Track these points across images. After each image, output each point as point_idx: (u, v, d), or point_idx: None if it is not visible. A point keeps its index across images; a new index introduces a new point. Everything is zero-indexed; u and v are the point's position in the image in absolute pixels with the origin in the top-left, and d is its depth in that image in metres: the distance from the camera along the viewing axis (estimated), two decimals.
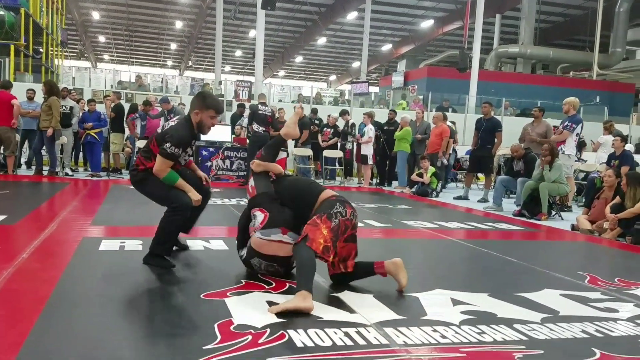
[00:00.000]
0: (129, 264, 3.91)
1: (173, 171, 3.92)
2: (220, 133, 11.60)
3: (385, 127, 12.28)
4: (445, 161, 11.56)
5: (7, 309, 2.91)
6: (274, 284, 3.47)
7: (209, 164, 11.24)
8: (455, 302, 3.35)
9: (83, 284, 3.44)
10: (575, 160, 10.19)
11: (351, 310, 3.08)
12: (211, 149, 11.32)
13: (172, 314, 2.97)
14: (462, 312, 3.15)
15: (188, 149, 4.04)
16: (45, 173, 10.41)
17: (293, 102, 18.92)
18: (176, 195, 3.91)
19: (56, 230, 5.16)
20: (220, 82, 22.99)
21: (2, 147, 9.97)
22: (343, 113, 13.04)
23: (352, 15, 29.78)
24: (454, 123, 13.71)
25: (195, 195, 3.93)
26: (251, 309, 3.01)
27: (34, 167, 10.91)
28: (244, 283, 3.51)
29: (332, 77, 50.27)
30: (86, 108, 11.67)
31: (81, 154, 12.24)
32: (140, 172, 4.01)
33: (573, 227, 7.07)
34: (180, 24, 34.98)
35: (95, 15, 34.43)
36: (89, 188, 9.09)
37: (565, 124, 8.94)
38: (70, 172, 10.98)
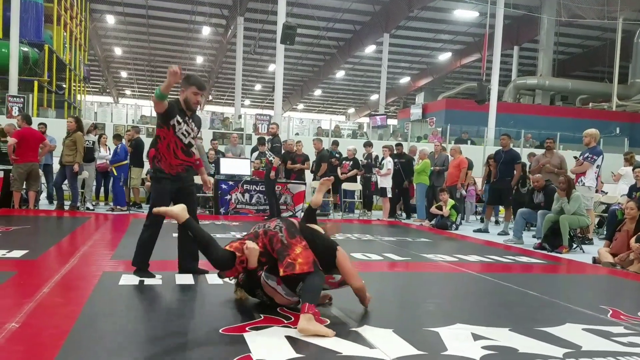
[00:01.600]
0: (148, 298, 3.94)
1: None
2: (239, 167, 11.71)
3: (395, 160, 12.23)
4: (464, 192, 11.52)
5: (27, 344, 2.94)
6: (293, 319, 3.45)
7: (228, 197, 11.30)
8: (476, 337, 3.32)
9: (103, 319, 3.46)
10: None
11: (370, 346, 3.06)
12: (230, 183, 11.36)
13: (191, 350, 2.99)
14: (483, 347, 3.12)
15: (183, 126, 4.66)
16: (66, 207, 10.50)
17: (313, 135, 19.08)
18: (152, 205, 4.45)
19: (77, 265, 5.20)
20: (240, 116, 23.28)
21: (28, 183, 10.03)
22: (367, 145, 13.10)
23: (370, 48, 30.16)
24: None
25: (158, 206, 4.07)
26: (270, 344, 2.99)
27: (55, 202, 11.03)
28: (262, 317, 3.49)
29: (351, 110, 50.64)
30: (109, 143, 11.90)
31: (102, 189, 12.34)
32: (154, 167, 4.75)
33: (594, 260, 6.98)
34: (201, 59, 35.65)
35: (118, 51, 35.24)
36: (109, 222, 9.15)
37: (586, 155, 8.90)
38: (91, 207, 11.12)
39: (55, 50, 20.25)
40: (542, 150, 10.78)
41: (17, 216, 9.17)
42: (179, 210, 3.58)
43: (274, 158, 9.97)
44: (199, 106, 4.95)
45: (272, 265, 3.49)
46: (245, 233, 3.69)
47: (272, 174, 9.93)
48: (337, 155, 13.16)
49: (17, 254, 5.52)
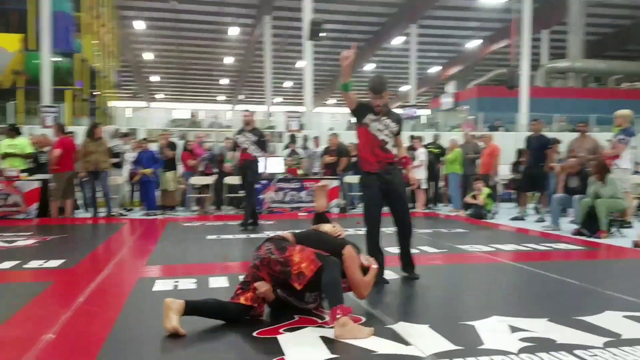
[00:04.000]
0: None
1: None
2: (272, 165, 11.67)
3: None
4: (498, 180, 11.35)
5: (65, 351, 3.00)
6: (327, 319, 3.37)
7: (261, 197, 11.31)
8: (514, 329, 3.28)
9: (138, 325, 3.49)
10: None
11: (406, 342, 3.04)
12: (263, 182, 11.28)
13: (225, 353, 3.00)
14: (521, 340, 3.08)
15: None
16: (101, 214, 10.50)
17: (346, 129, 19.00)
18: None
19: (112, 272, 5.27)
20: (270, 114, 23.39)
21: (66, 192, 10.08)
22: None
23: (399, 40, 29.95)
24: None
25: None
26: (304, 346, 2.98)
27: (90, 210, 11.01)
28: (297, 318, 3.46)
29: None
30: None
31: (136, 193, 12.29)
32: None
33: (635, 244, 6.79)
34: (231, 59, 35.88)
35: (148, 56, 35.70)
36: (144, 227, 9.20)
37: (619, 137, 8.67)
38: (125, 212, 11.15)
39: (87, 58, 20.58)
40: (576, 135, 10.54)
41: (55, 225, 9.28)
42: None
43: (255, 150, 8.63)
44: (383, 108, 4.78)
45: (284, 282, 3.41)
46: (243, 277, 3.59)
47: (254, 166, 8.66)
48: None
49: (54, 263, 5.60)
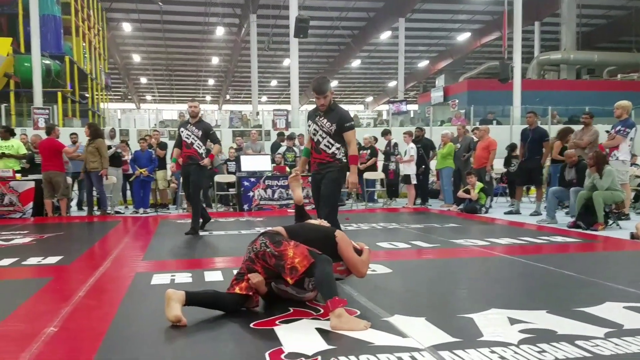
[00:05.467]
0: None
1: None
2: (260, 163, 11.68)
3: (418, 146, 11.95)
4: (493, 174, 11.28)
5: (65, 346, 3.00)
6: (322, 311, 3.41)
7: (250, 194, 11.29)
8: (513, 321, 3.20)
9: (138, 318, 3.53)
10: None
11: (403, 335, 2.98)
12: (252, 180, 11.34)
13: (224, 344, 2.99)
14: (520, 331, 3.01)
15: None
16: (96, 213, 10.63)
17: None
18: None
19: (110, 268, 5.28)
20: (257, 113, 23.30)
21: (54, 192, 10.20)
22: (385, 133, 12.94)
23: (386, 34, 29.86)
24: None
25: None
26: (301, 337, 2.97)
27: (85, 208, 11.16)
28: (292, 311, 3.47)
29: (369, 99, 50.33)
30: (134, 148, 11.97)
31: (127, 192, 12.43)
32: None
33: (632, 236, 6.74)
34: (217, 60, 35.79)
35: (136, 58, 35.62)
36: (138, 225, 9.23)
37: (618, 128, 8.62)
38: (120, 211, 11.18)
39: (76, 61, 20.57)
40: (577, 127, 10.47)
41: (50, 224, 9.39)
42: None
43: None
44: (324, 107, 5.06)
45: (277, 276, 3.46)
46: (236, 271, 3.66)
47: (206, 160, 7.70)
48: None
49: (52, 260, 5.66)
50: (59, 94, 18.44)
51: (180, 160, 7.79)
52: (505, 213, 10.01)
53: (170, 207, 12.04)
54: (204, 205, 8.39)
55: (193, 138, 7.57)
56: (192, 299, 3.36)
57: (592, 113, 10.13)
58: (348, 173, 5.28)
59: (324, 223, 4.02)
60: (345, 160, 5.09)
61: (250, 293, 3.48)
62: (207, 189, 7.92)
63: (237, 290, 3.46)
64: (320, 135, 4.92)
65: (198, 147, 7.59)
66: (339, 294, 3.22)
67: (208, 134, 7.70)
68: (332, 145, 4.97)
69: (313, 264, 3.26)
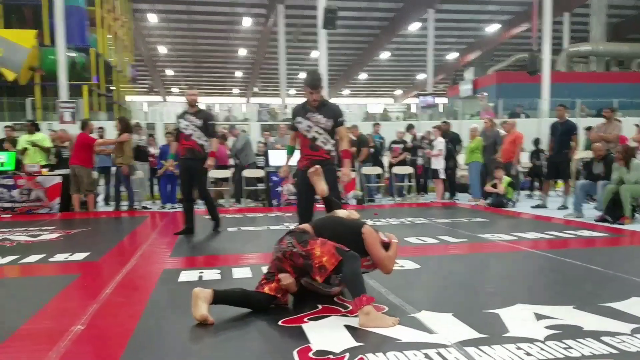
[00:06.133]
0: None
1: None
2: (290, 158, 11.66)
3: (447, 139, 11.91)
4: (520, 169, 11.20)
5: (93, 344, 3.07)
6: (350, 307, 3.44)
7: (279, 189, 11.34)
8: (539, 317, 3.25)
9: (166, 315, 3.55)
10: None
11: (430, 331, 3.04)
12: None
13: (251, 342, 3.01)
14: (547, 327, 3.06)
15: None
16: (124, 208, 10.67)
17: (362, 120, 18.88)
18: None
19: (137, 264, 5.32)
20: (286, 106, 23.33)
21: (80, 187, 10.19)
22: (409, 128, 12.93)
23: (415, 26, 29.62)
24: None
25: None
26: (329, 334, 3.01)
27: (112, 203, 11.23)
28: (320, 307, 3.50)
29: (398, 92, 50.05)
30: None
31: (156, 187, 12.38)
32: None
33: None
34: (244, 51, 35.85)
35: (162, 50, 35.78)
36: (165, 220, 9.26)
37: None
38: (147, 206, 11.27)
39: (101, 53, 20.66)
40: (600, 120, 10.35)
41: (78, 219, 9.44)
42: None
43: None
44: (316, 102, 4.99)
45: (306, 273, 3.49)
46: (267, 268, 3.68)
47: (210, 161, 7.14)
48: (381, 139, 12.97)
49: (80, 256, 5.69)
50: (85, 87, 18.56)
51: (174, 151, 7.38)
52: (532, 207, 9.96)
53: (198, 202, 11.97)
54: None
55: (192, 128, 7.02)
56: (220, 297, 3.38)
57: (614, 107, 9.97)
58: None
59: (354, 214, 4.00)
60: (334, 155, 5.11)
61: (279, 295, 3.50)
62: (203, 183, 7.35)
63: (266, 290, 3.49)
64: (317, 131, 4.88)
65: (198, 139, 7.03)
66: (367, 291, 3.25)
67: (207, 125, 7.12)
68: (328, 141, 4.97)
69: (341, 261, 3.28)
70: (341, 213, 3.97)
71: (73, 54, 18.09)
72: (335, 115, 4.97)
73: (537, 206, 9.99)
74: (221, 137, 11.49)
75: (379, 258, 3.61)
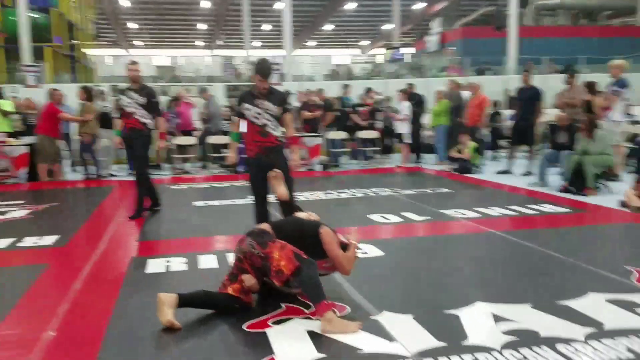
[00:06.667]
0: (173, 289, 3.82)
1: None
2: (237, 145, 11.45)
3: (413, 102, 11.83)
4: (485, 132, 11.22)
5: (66, 350, 3.12)
6: (314, 307, 3.40)
7: (245, 155, 11.14)
8: (497, 319, 3.31)
9: (134, 317, 3.58)
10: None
11: (390, 338, 3.09)
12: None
13: (216, 353, 3.06)
14: (504, 333, 3.12)
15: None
16: (92, 176, 10.58)
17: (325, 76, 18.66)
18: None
19: (105, 251, 5.34)
20: (250, 60, 22.91)
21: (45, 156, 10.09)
22: (367, 91, 12.80)
23: None
24: None
25: None
26: (293, 343, 3.06)
27: (79, 169, 11.12)
28: (284, 308, 3.56)
29: (365, 42, 49.38)
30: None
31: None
32: None
33: (623, 204, 6.78)
34: (208, 3, 34.83)
35: (125, 3, 34.61)
36: (133, 191, 9.08)
37: (612, 89, 8.57)
38: (114, 173, 11.10)
39: (64, 12, 19.95)
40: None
41: (45, 190, 9.38)
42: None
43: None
44: (265, 90, 4.99)
45: (266, 274, 3.50)
46: (228, 271, 3.70)
47: (162, 144, 7.41)
48: (349, 101, 12.83)
49: (48, 240, 5.68)
50: (48, 49, 17.97)
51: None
52: (497, 172, 10.03)
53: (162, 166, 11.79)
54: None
55: (134, 106, 6.58)
56: (185, 301, 3.44)
57: (574, 69, 9.94)
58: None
59: (313, 215, 4.04)
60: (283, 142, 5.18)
61: (242, 295, 3.54)
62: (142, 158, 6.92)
63: (230, 290, 3.53)
64: (267, 118, 4.93)
65: (140, 117, 6.63)
66: (326, 297, 3.28)
67: (152, 102, 6.69)
68: (277, 127, 5.03)
69: (298, 267, 3.31)
70: (301, 215, 4.01)
71: (34, 15, 17.42)
72: (281, 102, 5.05)
73: (502, 172, 10.04)
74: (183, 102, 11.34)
75: (338, 258, 3.66)
